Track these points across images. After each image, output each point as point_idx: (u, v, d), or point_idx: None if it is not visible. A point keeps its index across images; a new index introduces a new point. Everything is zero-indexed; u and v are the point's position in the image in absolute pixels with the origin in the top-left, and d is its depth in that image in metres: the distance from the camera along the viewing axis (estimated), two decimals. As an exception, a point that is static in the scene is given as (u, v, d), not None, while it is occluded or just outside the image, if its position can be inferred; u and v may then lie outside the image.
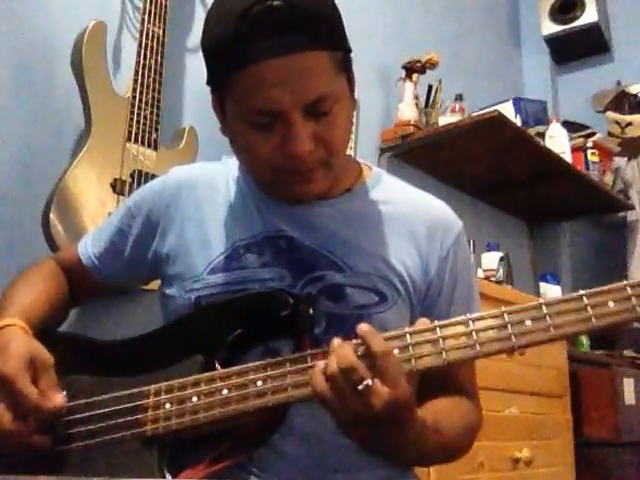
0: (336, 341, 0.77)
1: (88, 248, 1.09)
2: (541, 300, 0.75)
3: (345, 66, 0.89)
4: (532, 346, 0.74)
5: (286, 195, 0.95)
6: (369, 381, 0.72)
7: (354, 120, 1.79)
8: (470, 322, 0.76)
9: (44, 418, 0.85)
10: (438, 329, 0.77)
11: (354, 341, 0.77)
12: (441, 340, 0.76)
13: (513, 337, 0.74)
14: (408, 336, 0.77)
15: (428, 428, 0.81)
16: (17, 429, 0.84)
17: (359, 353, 0.75)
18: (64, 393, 0.88)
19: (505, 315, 0.75)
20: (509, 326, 0.74)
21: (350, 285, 0.93)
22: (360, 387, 0.72)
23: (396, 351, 0.76)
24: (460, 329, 0.76)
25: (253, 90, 0.83)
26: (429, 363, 0.76)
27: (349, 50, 0.90)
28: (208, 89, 0.93)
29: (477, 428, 0.98)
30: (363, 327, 0.76)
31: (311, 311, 0.87)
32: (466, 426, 0.94)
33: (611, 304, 0.73)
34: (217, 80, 0.89)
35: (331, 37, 0.86)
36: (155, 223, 1.03)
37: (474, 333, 0.75)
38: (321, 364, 0.76)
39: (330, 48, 0.85)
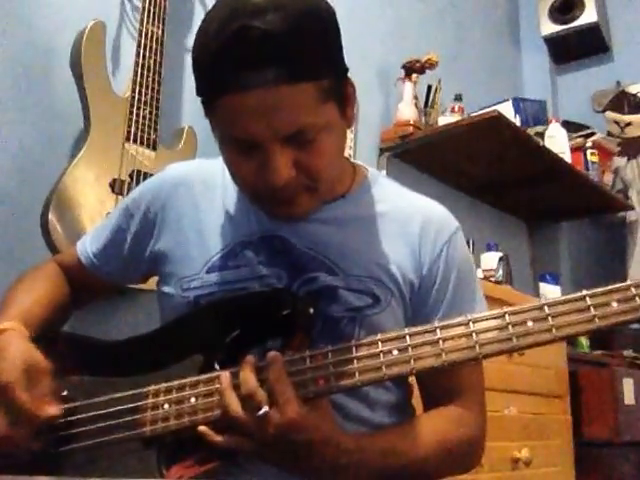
0: (248, 359, 0.80)
1: (87, 247, 1.09)
2: (543, 300, 0.74)
3: (334, 92, 0.84)
4: (533, 347, 0.74)
5: (270, 213, 0.93)
6: (266, 408, 0.76)
7: (354, 120, 1.78)
8: (471, 323, 0.76)
9: (38, 426, 0.84)
10: (438, 330, 0.76)
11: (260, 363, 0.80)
12: (441, 341, 0.76)
13: (514, 338, 0.73)
14: (408, 337, 0.77)
15: (366, 451, 0.81)
16: (12, 434, 0.83)
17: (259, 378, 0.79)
18: (64, 393, 0.88)
19: (507, 316, 0.75)
20: (510, 327, 0.74)
21: (343, 288, 0.92)
22: (259, 413, 0.76)
23: (395, 352, 0.76)
24: (460, 330, 0.76)
25: (230, 119, 0.82)
26: (428, 364, 0.76)
27: (341, 74, 0.86)
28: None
29: (466, 443, 0.92)
30: (270, 354, 0.79)
31: (311, 310, 0.86)
32: (443, 444, 0.89)
33: (615, 304, 0.72)
34: (202, 97, 0.87)
35: (316, 67, 0.80)
36: (152, 221, 1.02)
37: (474, 334, 0.75)
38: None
39: (314, 78, 0.80)
